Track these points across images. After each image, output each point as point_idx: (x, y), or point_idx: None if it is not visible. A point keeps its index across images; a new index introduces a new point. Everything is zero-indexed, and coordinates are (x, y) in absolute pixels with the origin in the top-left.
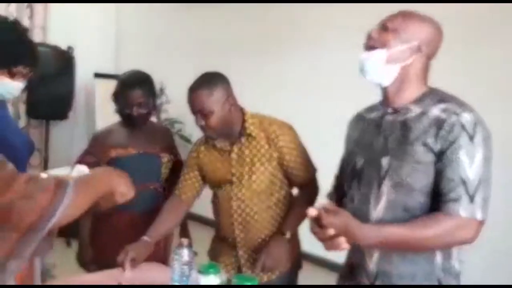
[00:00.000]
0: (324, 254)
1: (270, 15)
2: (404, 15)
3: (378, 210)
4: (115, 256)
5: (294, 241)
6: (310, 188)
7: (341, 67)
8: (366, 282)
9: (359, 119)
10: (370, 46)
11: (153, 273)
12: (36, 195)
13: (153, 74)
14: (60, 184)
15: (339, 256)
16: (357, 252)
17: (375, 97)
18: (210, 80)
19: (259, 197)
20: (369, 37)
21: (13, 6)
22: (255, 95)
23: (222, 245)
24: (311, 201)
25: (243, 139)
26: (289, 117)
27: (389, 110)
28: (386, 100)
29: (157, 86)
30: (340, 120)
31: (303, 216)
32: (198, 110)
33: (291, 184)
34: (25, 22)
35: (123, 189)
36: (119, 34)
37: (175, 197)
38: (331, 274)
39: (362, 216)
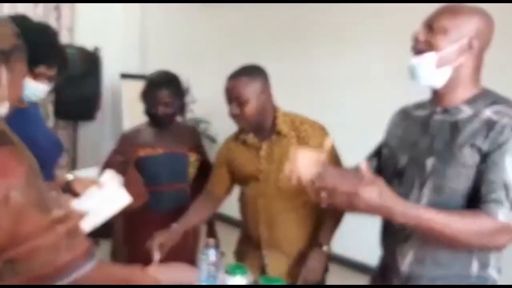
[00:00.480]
0: (353, 256)
1: (294, 14)
2: (450, 10)
3: None
4: (147, 254)
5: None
6: None
7: (366, 65)
8: (396, 283)
9: (404, 116)
10: (418, 49)
11: (181, 273)
12: (64, 251)
13: (178, 73)
14: (89, 252)
15: (366, 257)
16: (390, 254)
17: (397, 95)
18: (251, 70)
19: (286, 196)
20: (416, 40)
21: (40, 8)
22: (280, 93)
23: (247, 245)
24: (342, 211)
25: (273, 137)
26: (313, 115)
27: (438, 109)
28: (436, 99)
29: (183, 86)
30: (365, 118)
31: (336, 227)
32: (235, 98)
33: None
34: (52, 23)
35: None
36: (144, 34)
37: (206, 192)
38: (359, 276)
39: None
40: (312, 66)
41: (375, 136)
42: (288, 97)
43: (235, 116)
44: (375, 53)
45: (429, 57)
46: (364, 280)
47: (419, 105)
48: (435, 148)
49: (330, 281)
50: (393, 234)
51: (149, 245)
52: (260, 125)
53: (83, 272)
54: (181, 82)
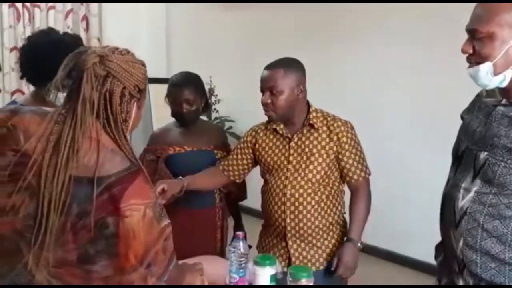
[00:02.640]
0: (386, 247)
1: (314, 13)
2: (490, 10)
3: (465, 200)
4: (177, 250)
5: (343, 233)
6: (363, 194)
7: (385, 65)
8: (456, 269)
9: (477, 100)
10: (472, 62)
11: (212, 265)
12: (166, 252)
13: (203, 74)
14: (174, 250)
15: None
16: (447, 239)
17: (417, 97)
18: (288, 63)
19: (313, 188)
20: (465, 53)
21: (69, 19)
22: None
23: (271, 238)
24: (368, 206)
25: (305, 130)
26: (336, 112)
27: (504, 101)
28: (502, 91)
29: (207, 86)
30: (381, 118)
31: (366, 220)
32: (269, 87)
33: (342, 180)
34: (82, 34)
35: None
36: (169, 39)
37: (220, 169)
38: (390, 265)
39: (450, 202)
40: (333, 63)
41: (390, 130)
42: (310, 94)
43: (266, 105)
44: (389, 49)
45: (485, 68)
46: (389, 269)
47: (492, 93)
48: (490, 141)
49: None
50: (447, 220)
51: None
52: (290, 118)
53: (172, 265)
54: (201, 81)
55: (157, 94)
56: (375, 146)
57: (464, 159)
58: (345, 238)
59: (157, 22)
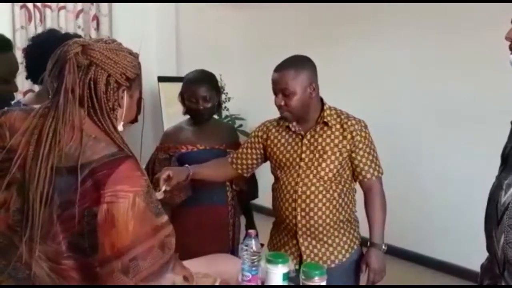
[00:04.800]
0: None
1: (324, 11)
2: None
3: (508, 195)
4: (189, 248)
5: (355, 231)
6: (376, 194)
7: (394, 64)
8: (497, 271)
9: None
10: None
11: (224, 263)
12: (166, 250)
13: (214, 73)
14: (176, 249)
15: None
16: (490, 239)
17: (430, 97)
18: (299, 62)
19: (325, 185)
20: (509, 40)
21: (80, 19)
22: None
23: (282, 236)
24: (384, 206)
25: (318, 127)
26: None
27: None
28: None
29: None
30: (396, 116)
31: (384, 221)
32: (281, 89)
33: (355, 178)
34: (92, 33)
35: None
36: (179, 38)
37: (228, 161)
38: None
39: (494, 201)
40: (344, 60)
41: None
42: (320, 92)
43: (280, 107)
44: (401, 43)
45: None
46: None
47: None
48: None
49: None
50: (489, 218)
51: (157, 176)
52: (304, 116)
53: (169, 268)
54: (216, 79)
55: (167, 92)
56: (390, 145)
57: (509, 160)
58: (368, 243)
59: (167, 21)
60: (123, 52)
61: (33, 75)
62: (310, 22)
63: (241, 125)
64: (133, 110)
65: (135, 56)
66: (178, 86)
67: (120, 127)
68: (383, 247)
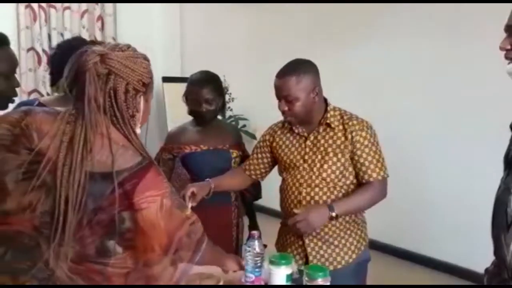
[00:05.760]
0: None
1: (328, 11)
2: None
3: None
4: None
5: (362, 232)
6: (374, 188)
7: (405, 61)
8: (505, 276)
9: None
10: (510, 58)
11: (225, 259)
12: (192, 236)
13: (217, 73)
14: (204, 233)
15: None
16: (498, 246)
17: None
18: (300, 67)
19: (328, 186)
20: (503, 50)
21: (85, 19)
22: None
23: (289, 235)
24: (372, 200)
25: (321, 128)
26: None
27: None
28: None
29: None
30: (407, 117)
31: (359, 208)
32: (283, 96)
33: (357, 180)
34: (97, 33)
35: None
36: (183, 38)
37: (242, 169)
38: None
39: (502, 206)
40: (348, 60)
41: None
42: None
43: (283, 112)
44: (403, 46)
45: None
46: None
47: None
48: None
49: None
50: (498, 224)
51: (183, 194)
52: (308, 119)
53: (203, 248)
54: (220, 80)
55: (171, 93)
56: (394, 146)
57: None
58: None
59: (171, 21)
60: (139, 59)
61: (58, 81)
62: (315, 23)
63: (244, 125)
64: (148, 112)
65: (149, 60)
66: (182, 87)
67: (138, 131)
68: (333, 214)
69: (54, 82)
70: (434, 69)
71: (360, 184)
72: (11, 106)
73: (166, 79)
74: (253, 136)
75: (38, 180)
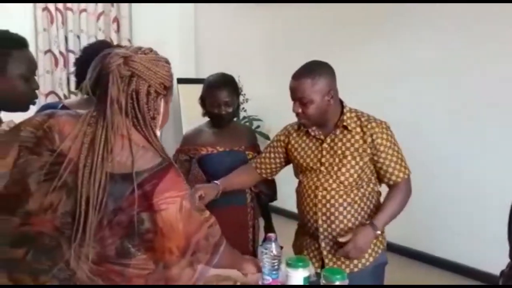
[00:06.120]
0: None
1: (342, 11)
2: None
3: None
4: None
5: (381, 237)
6: (400, 189)
7: (431, 62)
8: None
9: None
10: None
11: (243, 262)
12: (210, 238)
13: (231, 74)
14: (222, 236)
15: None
16: None
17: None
18: (316, 69)
19: (345, 190)
20: None
21: (101, 21)
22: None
23: (305, 238)
24: (402, 202)
25: (338, 131)
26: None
27: None
28: None
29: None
30: (422, 117)
31: (395, 214)
32: (298, 98)
33: (380, 181)
34: (113, 35)
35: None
36: (198, 39)
37: (252, 166)
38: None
39: None
40: (365, 63)
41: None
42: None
43: (297, 114)
44: (424, 44)
45: None
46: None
47: None
48: None
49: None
50: None
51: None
52: (323, 122)
53: (221, 251)
54: (236, 82)
55: (186, 94)
56: (415, 146)
57: None
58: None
59: (185, 22)
60: (161, 62)
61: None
62: (330, 22)
63: (258, 126)
64: (168, 115)
65: (170, 64)
66: (197, 88)
67: (158, 133)
68: (378, 232)
69: (79, 85)
70: (459, 68)
71: (382, 184)
72: (33, 108)
73: (181, 81)
74: (267, 137)
75: (59, 181)
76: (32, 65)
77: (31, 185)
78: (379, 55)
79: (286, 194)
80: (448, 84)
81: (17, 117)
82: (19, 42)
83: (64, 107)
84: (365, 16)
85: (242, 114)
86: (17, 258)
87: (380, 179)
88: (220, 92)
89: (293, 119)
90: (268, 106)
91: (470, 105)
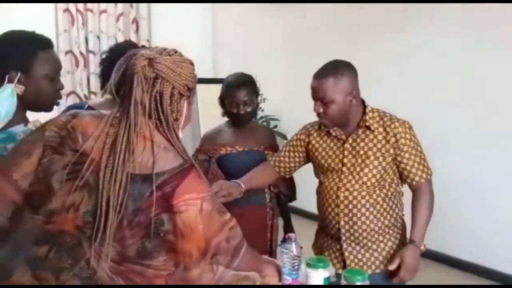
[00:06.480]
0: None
1: (359, 10)
2: None
3: None
4: None
5: (402, 236)
6: (425, 193)
7: (460, 60)
8: None
9: None
10: None
11: (263, 264)
12: (231, 241)
13: (249, 73)
14: (243, 237)
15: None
16: None
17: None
18: (338, 69)
19: (368, 190)
20: None
21: (120, 22)
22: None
23: (326, 238)
24: (430, 207)
25: (360, 131)
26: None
27: None
28: None
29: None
30: (442, 116)
31: (428, 222)
32: (319, 98)
33: (402, 182)
34: (132, 36)
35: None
36: (215, 39)
37: (271, 164)
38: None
39: None
40: (380, 61)
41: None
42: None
43: (318, 114)
44: (447, 43)
45: None
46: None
47: None
48: None
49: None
50: None
51: (215, 191)
52: (344, 122)
53: (242, 253)
54: (255, 82)
55: (204, 94)
56: (434, 142)
57: None
58: (407, 241)
59: (203, 22)
60: (185, 63)
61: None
62: (348, 22)
63: (275, 126)
64: (190, 116)
65: (194, 65)
66: (215, 88)
67: (180, 134)
68: (422, 247)
69: (104, 85)
70: (485, 62)
71: (404, 184)
72: (55, 108)
73: (198, 81)
74: (284, 137)
75: (81, 180)
76: (57, 66)
77: (54, 184)
78: (399, 56)
79: (306, 195)
80: (478, 76)
81: (42, 116)
82: (44, 43)
83: (89, 108)
84: (384, 15)
85: (259, 113)
86: (40, 256)
87: (402, 180)
88: (238, 92)
89: (310, 119)
90: (286, 106)
91: (497, 102)
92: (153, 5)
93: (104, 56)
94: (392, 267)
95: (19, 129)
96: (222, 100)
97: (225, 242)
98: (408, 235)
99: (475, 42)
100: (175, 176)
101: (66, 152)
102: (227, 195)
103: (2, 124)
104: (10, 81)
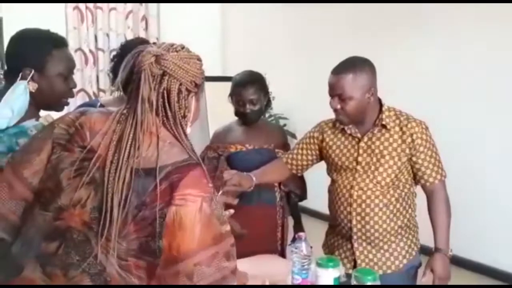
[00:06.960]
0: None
1: (370, 9)
2: None
3: None
4: (237, 247)
5: (413, 237)
6: (441, 199)
7: (476, 61)
8: None
9: None
10: None
11: (273, 265)
12: (231, 259)
13: (257, 71)
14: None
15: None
16: None
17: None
18: (357, 65)
19: (382, 190)
20: None
21: (130, 20)
22: None
23: (337, 238)
24: (448, 210)
25: (376, 130)
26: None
27: None
28: None
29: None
30: (455, 117)
31: (449, 227)
32: (337, 94)
33: (416, 183)
34: (142, 33)
35: None
36: (224, 37)
37: (283, 161)
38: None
39: None
40: (391, 60)
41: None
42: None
43: (335, 110)
44: (459, 43)
45: None
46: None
47: None
48: None
49: None
50: None
51: (226, 178)
52: (360, 120)
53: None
54: (264, 80)
55: (212, 92)
56: (452, 146)
57: None
58: (433, 249)
59: (213, 20)
60: (192, 59)
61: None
62: (358, 22)
63: (284, 125)
64: (198, 112)
65: (201, 61)
66: (224, 86)
67: (188, 130)
68: (449, 253)
69: (114, 81)
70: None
71: (417, 185)
72: (67, 107)
73: (208, 78)
74: (293, 136)
75: (88, 176)
76: (70, 64)
77: (63, 181)
78: (410, 54)
79: (317, 195)
80: (498, 83)
81: (53, 112)
82: (59, 41)
83: (101, 105)
84: (399, 13)
85: (268, 112)
86: (50, 252)
87: (415, 181)
88: (245, 91)
89: (320, 118)
90: (295, 104)
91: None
92: (162, 3)
93: (115, 52)
94: (424, 279)
95: (30, 124)
96: (232, 98)
97: (224, 257)
98: (420, 236)
99: (493, 43)
100: (178, 169)
101: (74, 149)
102: (238, 184)
103: (15, 121)
104: (23, 78)
